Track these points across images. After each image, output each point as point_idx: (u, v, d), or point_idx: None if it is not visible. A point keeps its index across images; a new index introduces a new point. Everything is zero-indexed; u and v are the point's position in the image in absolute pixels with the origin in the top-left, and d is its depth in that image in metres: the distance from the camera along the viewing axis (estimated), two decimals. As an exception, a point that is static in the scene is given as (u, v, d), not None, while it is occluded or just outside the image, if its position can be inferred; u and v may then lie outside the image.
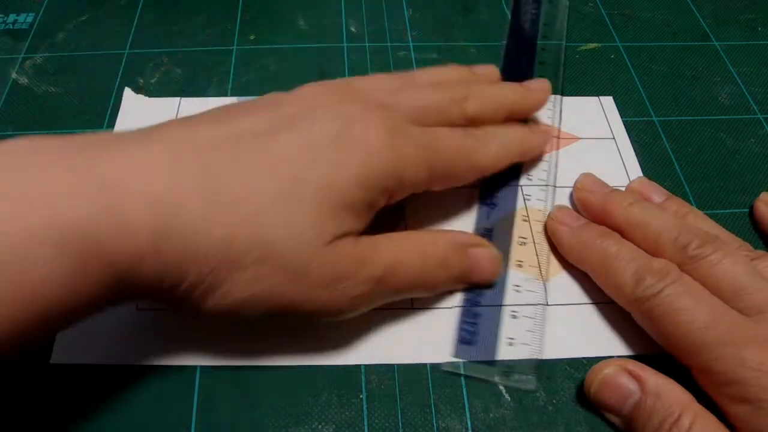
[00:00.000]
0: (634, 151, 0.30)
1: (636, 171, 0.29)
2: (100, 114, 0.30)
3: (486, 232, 0.26)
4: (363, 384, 0.22)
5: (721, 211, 0.28)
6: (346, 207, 0.21)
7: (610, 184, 0.27)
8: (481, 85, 0.27)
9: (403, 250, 0.22)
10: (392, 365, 0.23)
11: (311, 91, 0.23)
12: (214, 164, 0.20)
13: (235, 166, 0.20)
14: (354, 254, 0.21)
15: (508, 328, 0.23)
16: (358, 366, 0.23)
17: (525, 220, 0.26)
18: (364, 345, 0.23)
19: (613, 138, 0.30)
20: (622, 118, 0.31)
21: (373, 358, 0.23)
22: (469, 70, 0.28)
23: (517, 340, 0.23)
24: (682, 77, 0.33)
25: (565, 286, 0.25)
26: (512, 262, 0.25)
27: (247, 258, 0.19)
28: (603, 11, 0.37)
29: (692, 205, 0.28)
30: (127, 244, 0.18)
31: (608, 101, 0.32)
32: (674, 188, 0.28)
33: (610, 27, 0.36)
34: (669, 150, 0.30)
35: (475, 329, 0.23)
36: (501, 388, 0.22)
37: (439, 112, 0.24)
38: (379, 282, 0.21)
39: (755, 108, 0.32)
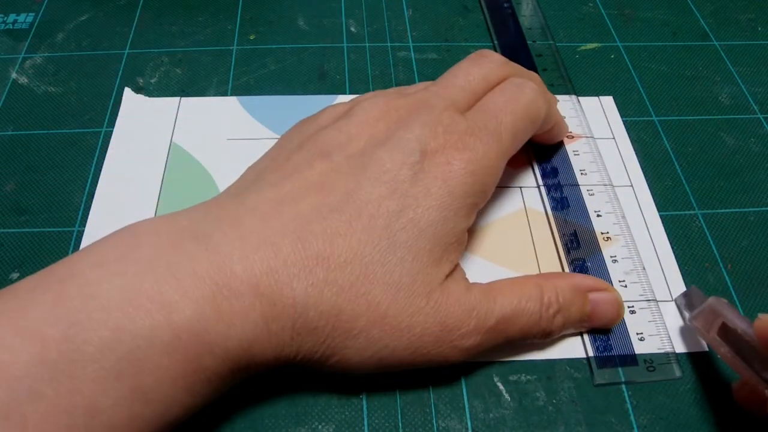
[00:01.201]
0: (634, 151, 0.30)
1: (636, 171, 0.29)
2: (100, 114, 0.30)
3: (573, 237, 0.26)
4: (363, 384, 0.22)
5: (721, 211, 0.28)
6: (441, 244, 0.20)
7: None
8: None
9: (519, 298, 0.21)
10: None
11: (364, 118, 0.22)
12: (305, 233, 0.19)
13: (326, 230, 0.19)
14: (464, 303, 0.20)
15: (632, 325, 0.23)
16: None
17: (599, 216, 0.26)
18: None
19: (613, 138, 0.30)
20: (622, 118, 0.31)
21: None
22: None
23: (645, 333, 0.23)
24: (682, 77, 0.33)
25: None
26: (608, 259, 0.25)
27: (356, 325, 0.19)
28: (603, 11, 0.37)
29: (692, 204, 0.28)
30: (238, 332, 0.18)
31: (608, 101, 0.32)
32: (674, 188, 0.28)
33: (610, 27, 0.36)
34: (669, 150, 0.30)
35: (608, 335, 0.23)
36: (501, 387, 0.22)
37: (484, 80, 0.24)
38: (491, 331, 0.21)
39: (755, 108, 0.32)
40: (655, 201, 0.28)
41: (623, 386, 0.22)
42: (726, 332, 0.21)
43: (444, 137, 0.21)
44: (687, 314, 0.23)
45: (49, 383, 0.16)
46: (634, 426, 0.22)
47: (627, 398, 0.22)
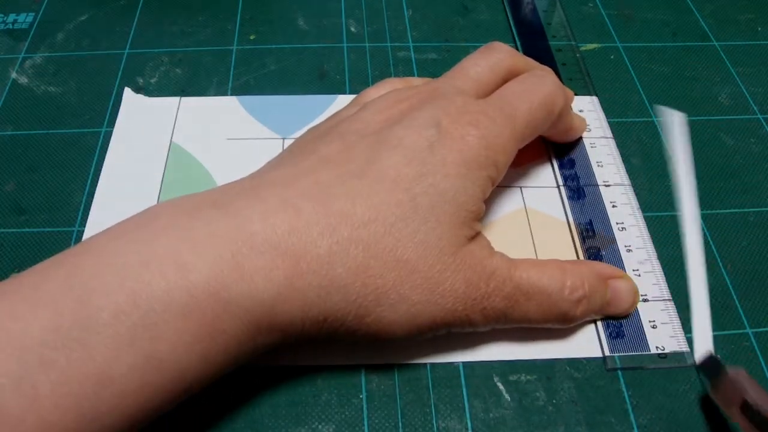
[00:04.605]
0: (634, 151, 0.30)
1: (636, 171, 0.29)
2: (99, 114, 0.30)
3: (589, 226, 0.26)
4: (363, 384, 0.22)
5: (721, 211, 0.28)
6: (462, 209, 0.21)
7: (608, 183, 0.27)
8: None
9: (540, 276, 0.22)
10: (393, 365, 0.23)
11: (379, 107, 0.23)
12: (326, 196, 0.20)
13: (347, 193, 0.20)
14: (487, 265, 0.21)
15: (645, 312, 0.24)
16: (358, 366, 0.23)
17: (615, 207, 0.27)
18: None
19: (612, 138, 0.30)
20: (622, 118, 0.31)
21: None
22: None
23: (657, 321, 0.24)
24: (682, 77, 0.33)
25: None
26: (623, 248, 0.25)
27: (387, 281, 0.19)
28: (603, 11, 0.37)
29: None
30: (259, 290, 0.18)
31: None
32: (674, 188, 0.28)
33: (610, 27, 0.36)
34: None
35: (621, 321, 0.24)
36: (501, 387, 0.22)
37: (492, 71, 0.25)
38: (510, 299, 0.21)
39: (755, 108, 0.32)
40: (654, 201, 0.28)
41: (623, 386, 0.23)
42: (748, 409, 0.20)
43: (458, 115, 0.22)
44: (706, 382, 0.22)
45: (61, 351, 0.16)
46: (634, 426, 0.22)
47: (627, 398, 0.22)
